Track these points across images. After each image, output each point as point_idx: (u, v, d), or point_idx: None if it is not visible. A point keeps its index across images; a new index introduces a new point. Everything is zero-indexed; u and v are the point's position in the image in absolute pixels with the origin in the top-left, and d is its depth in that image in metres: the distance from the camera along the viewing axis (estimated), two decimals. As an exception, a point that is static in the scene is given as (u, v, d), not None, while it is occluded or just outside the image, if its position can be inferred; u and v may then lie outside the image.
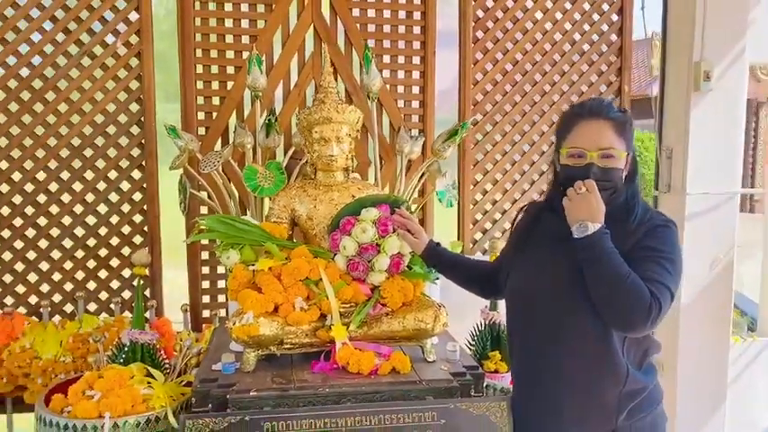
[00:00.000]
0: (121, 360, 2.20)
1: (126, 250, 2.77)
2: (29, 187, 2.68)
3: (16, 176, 2.66)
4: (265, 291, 1.90)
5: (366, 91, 2.60)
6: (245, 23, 2.80)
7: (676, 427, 3.03)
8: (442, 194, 2.65)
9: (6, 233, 2.68)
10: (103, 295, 2.77)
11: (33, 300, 2.71)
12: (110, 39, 2.70)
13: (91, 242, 2.74)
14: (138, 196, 2.77)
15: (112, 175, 2.74)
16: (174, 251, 2.87)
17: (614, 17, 3.12)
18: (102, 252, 2.76)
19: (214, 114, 2.80)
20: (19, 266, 2.69)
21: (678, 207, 3.04)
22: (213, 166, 2.44)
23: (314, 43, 2.84)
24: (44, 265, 2.71)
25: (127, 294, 2.77)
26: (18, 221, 2.68)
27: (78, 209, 2.73)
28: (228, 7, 2.77)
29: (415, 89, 2.96)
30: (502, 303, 2.04)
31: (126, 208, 2.76)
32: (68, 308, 2.73)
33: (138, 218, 2.78)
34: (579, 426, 1.59)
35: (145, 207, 2.77)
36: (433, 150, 2.65)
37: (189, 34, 2.74)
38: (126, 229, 2.77)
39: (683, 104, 3.05)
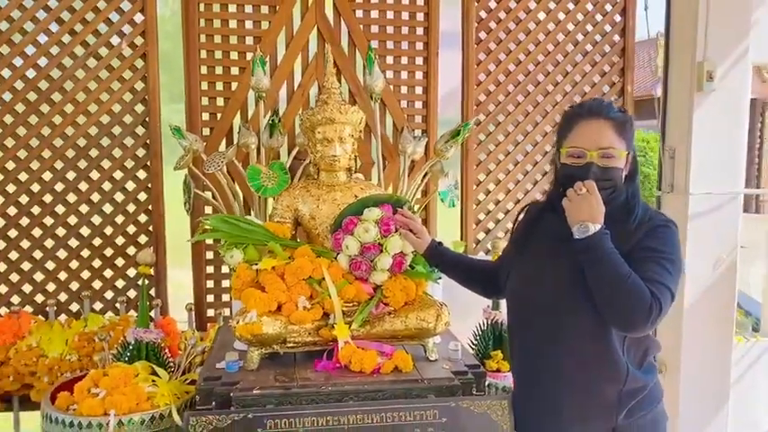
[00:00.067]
0: (126, 358, 2.22)
1: (131, 250, 2.79)
2: (35, 187, 2.70)
3: (23, 177, 2.69)
4: (269, 290, 1.91)
5: (369, 91, 2.61)
6: (249, 25, 2.82)
7: (679, 428, 3.02)
8: (445, 194, 2.66)
9: (13, 233, 2.70)
10: (109, 294, 2.79)
11: (40, 299, 2.74)
12: (115, 40, 2.72)
13: (96, 242, 2.76)
14: (143, 196, 2.79)
15: (118, 175, 2.77)
16: (179, 251, 2.89)
17: (617, 17, 3.12)
18: (108, 252, 2.78)
19: (218, 115, 2.82)
20: (25, 266, 2.72)
21: (681, 207, 3.04)
22: (217, 166, 2.46)
23: (317, 44, 2.85)
24: (50, 265, 2.74)
25: (132, 293, 2.79)
26: (24, 221, 2.70)
27: (84, 209, 2.75)
28: (232, 8, 2.79)
29: (418, 90, 2.97)
30: (504, 303, 2.05)
31: (131, 208, 2.78)
32: (74, 307, 2.76)
33: (143, 218, 2.80)
34: (579, 425, 1.60)
35: (150, 207, 2.79)
36: (436, 150, 2.66)
37: (193, 35, 2.76)
38: (131, 229, 2.79)
39: (686, 104, 3.05)
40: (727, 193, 3.07)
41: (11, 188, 2.69)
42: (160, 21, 2.76)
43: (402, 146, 2.70)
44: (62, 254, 2.74)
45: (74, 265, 2.75)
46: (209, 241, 2.75)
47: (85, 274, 2.77)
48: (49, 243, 2.73)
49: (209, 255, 2.85)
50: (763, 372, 3.40)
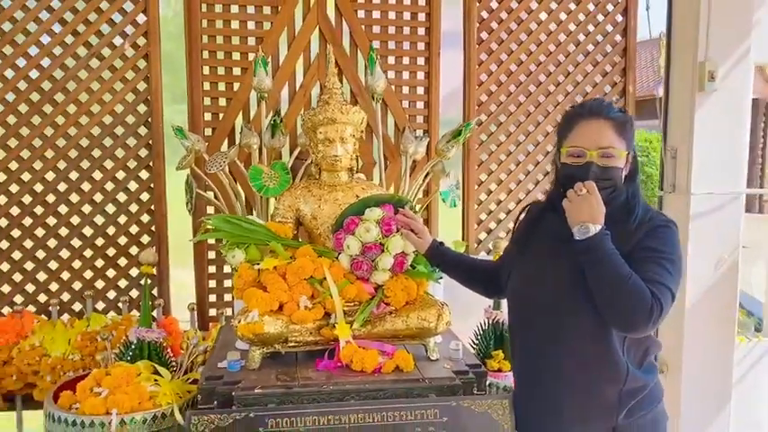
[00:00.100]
0: (129, 358, 2.23)
1: (133, 249, 2.80)
2: (38, 187, 2.71)
3: (26, 177, 2.70)
4: (270, 289, 1.92)
5: (371, 92, 2.62)
6: (251, 25, 2.82)
7: (681, 428, 3.02)
8: (446, 194, 2.66)
9: (16, 233, 2.71)
10: (111, 294, 2.80)
11: (42, 298, 2.75)
12: (118, 40, 2.73)
13: (99, 242, 2.77)
14: (145, 196, 2.80)
15: (120, 175, 2.77)
16: (181, 250, 2.90)
17: (619, 17, 3.12)
18: (110, 251, 2.79)
19: (220, 115, 2.83)
20: (28, 265, 2.73)
21: (683, 207, 3.04)
22: (219, 166, 2.47)
23: (319, 45, 2.86)
24: (53, 265, 2.74)
25: (134, 293, 2.80)
26: (27, 221, 2.71)
27: (87, 209, 2.76)
28: (235, 9, 2.80)
29: (420, 90, 2.97)
30: (505, 302, 2.06)
31: (134, 208, 2.79)
32: (77, 306, 2.76)
33: (145, 217, 2.80)
34: (580, 425, 1.60)
35: (152, 207, 2.80)
36: (437, 151, 2.66)
37: (196, 36, 2.76)
38: (134, 229, 2.80)
39: (687, 104, 3.05)
40: (728, 193, 3.06)
41: (14, 188, 2.70)
42: (162, 21, 2.77)
43: (403, 146, 2.71)
44: (65, 254, 2.75)
45: (76, 264, 2.76)
46: (212, 241, 2.76)
47: (88, 274, 2.77)
48: (51, 243, 2.74)
49: (212, 254, 2.86)
50: (766, 372, 3.39)
